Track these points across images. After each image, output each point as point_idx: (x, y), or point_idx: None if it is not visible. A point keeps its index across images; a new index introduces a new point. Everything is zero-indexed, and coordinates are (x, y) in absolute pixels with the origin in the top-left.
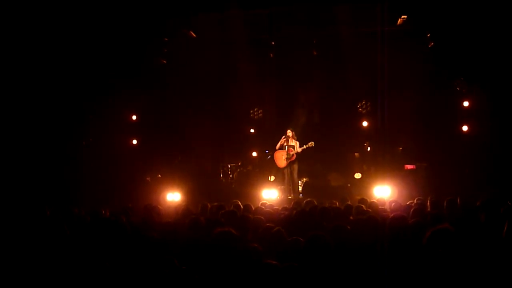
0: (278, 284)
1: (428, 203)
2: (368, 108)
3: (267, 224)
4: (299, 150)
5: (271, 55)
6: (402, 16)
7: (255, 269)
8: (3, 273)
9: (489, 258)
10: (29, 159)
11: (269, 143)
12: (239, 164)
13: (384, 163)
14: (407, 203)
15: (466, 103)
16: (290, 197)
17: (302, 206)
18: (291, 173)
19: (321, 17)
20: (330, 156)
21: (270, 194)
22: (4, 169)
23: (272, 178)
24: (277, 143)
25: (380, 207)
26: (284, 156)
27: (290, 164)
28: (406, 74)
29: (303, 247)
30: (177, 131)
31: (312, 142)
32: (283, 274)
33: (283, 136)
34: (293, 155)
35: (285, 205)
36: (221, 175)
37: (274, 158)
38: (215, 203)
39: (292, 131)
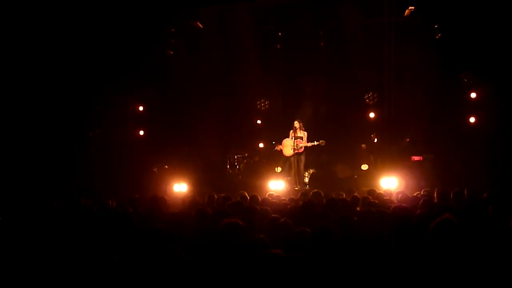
0: (284, 274)
1: (435, 195)
2: (375, 100)
3: (273, 215)
4: (309, 145)
5: (278, 46)
6: (410, 7)
7: (261, 259)
8: (10, 265)
9: (496, 249)
10: (36, 150)
11: (275, 134)
12: (246, 155)
13: (391, 154)
14: (414, 194)
15: (473, 95)
16: (296, 188)
17: (309, 197)
18: (298, 164)
19: (328, 8)
20: (337, 148)
21: (276, 185)
22: (11, 160)
23: (279, 169)
24: (288, 135)
25: (386, 198)
26: (292, 146)
27: (297, 154)
28: (413, 66)
29: (310, 238)
30: (184, 122)
31: (323, 141)
32: (288, 264)
33: (293, 128)
34: (301, 147)
35: (292, 196)
36: (228, 166)
37: (282, 146)
38: (222, 194)
39: (299, 122)
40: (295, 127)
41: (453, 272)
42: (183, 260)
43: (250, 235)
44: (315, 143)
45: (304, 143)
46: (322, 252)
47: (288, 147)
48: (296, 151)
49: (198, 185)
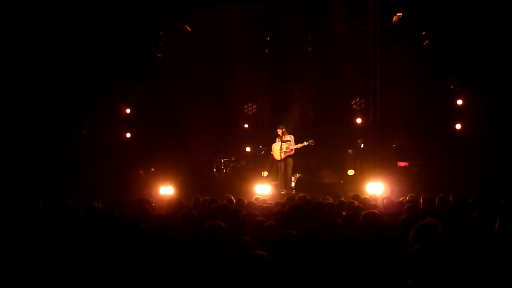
0: (268, 274)
1: (421, 201)
2: (362, 105)
3: (259, 218)
4: (299, 146)
5: (266, 51)
6: (398, 14)
7: (246, 260)
8: None
9: (480, 254)
10: (23, 151)
11: (263, 139)
12: (233, 159)
13: (377, 160)
14: (399, 199)
15: (459, 101)
16: (283, 192)
17: (295, 201)
18: (285, 168)
19: (316, 13)
20: (323, 153)
21: (263, 189)
22: None
23: (265, 173)
24: (275, 140)
25: (372, 203)
26: (283, 149)
27: (285, 158)
28: (400, 72)
29: (295, 240)
30: (171, 125)
31: (313, 141)
32: (273, 265)
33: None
34: (291, 149)
35: (278, 200)
36: (215, 170)
37: (272, 150)
38: (207, 197)
39: (282, 128)
40: (279, 134)
41: (436, 276)
42: (170, 260)
43: (236, 237)
44: (305, 143)
45: (293, 145)
46: (307, 254)
47: (277, 151)
48: (287, 154)
49: (184, 188)
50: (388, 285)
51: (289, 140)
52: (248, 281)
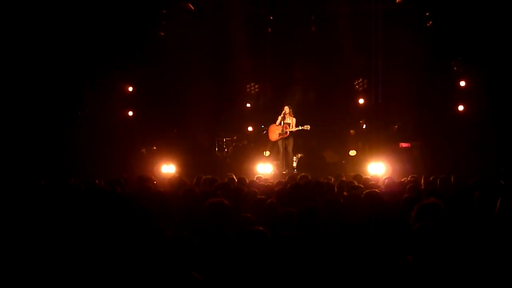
0: (268, 249)
1: (422, 181)
2: (365, 86)
3: (260, 196)
4: (294, 129)
5: (269, 30)
6: None
7: (246, 236)
8: None
9: (481, 233)
10: (24, 130)
11: (265, 118)
12: (235, 138)
13: (379, 140)
14: (401, 180)
15: (462, 83)
16: (284, 172)
17: (297, 181)
18: (286, 148)
19: None
20: (325, 133)
21: (264, 169)
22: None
23: (267, 153)
24: (275, 120)
25: (372, 183)
26: (278, 131)
27: (283, 139)
28: (403, 53)
29: (296, 217)
30: (174, 103)
31: (308, 126)
32: (273, 241)
33: (282, 113)
34: (286, 132)
35: (280, 180)
36: (216, 149)
37: (268, 131)
38: (209, 176)
39: (289, 108)
40: (285, 112)
41: (436, 254)
42: (168, 237)
43: (237, 214)
44: (300, 127)
45: (290, 128)
46: (308, 231)
47: (274, 132)
48: (281, 136)
49: (186, 166)
50: (388, 263)
51: (290, 123)
52: (247, 255)
